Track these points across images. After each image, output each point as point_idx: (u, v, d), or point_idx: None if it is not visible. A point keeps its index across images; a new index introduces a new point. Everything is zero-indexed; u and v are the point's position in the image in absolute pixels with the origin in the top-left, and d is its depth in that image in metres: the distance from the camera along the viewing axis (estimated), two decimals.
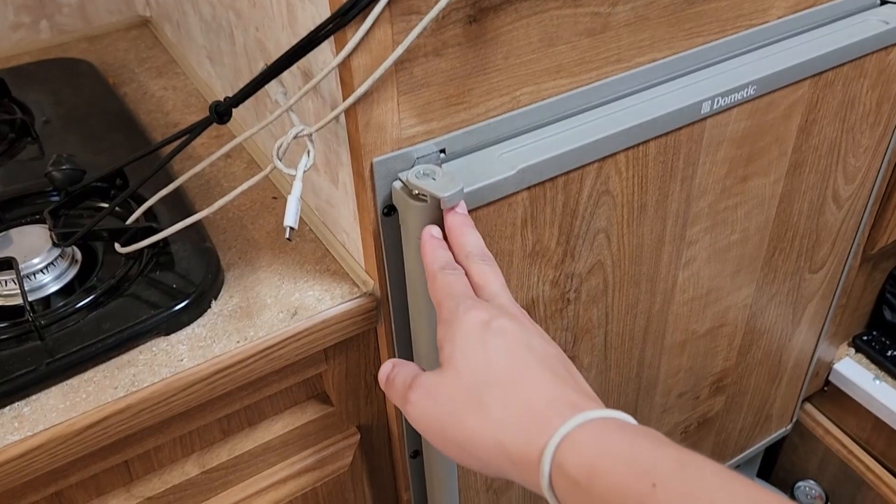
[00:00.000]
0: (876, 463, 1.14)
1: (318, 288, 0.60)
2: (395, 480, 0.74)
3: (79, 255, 0.62)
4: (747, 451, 1.07)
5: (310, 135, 0.51)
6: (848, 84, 0.70)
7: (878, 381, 1.12)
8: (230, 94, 0.52)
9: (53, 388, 0.53)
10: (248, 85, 0.50)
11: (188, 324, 0.57)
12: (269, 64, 0.50)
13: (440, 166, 0.52)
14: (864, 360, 1.15)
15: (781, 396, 1.03)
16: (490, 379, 0.41)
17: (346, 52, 0.46)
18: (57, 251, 0.60)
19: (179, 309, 0.56)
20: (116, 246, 0.61)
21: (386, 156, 0.51)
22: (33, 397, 0.52)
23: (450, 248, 0.49)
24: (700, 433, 0.95)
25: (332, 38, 0.47)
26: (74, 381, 0.53)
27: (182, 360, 0.54)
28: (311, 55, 0.49)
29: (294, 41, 0.48)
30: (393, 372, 0.46)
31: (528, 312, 0.57)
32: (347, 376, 0.64)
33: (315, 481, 0.67)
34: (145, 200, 0.61)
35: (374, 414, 0.68)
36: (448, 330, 0.43)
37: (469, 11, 0.48)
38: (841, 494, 1.20)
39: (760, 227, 0.76)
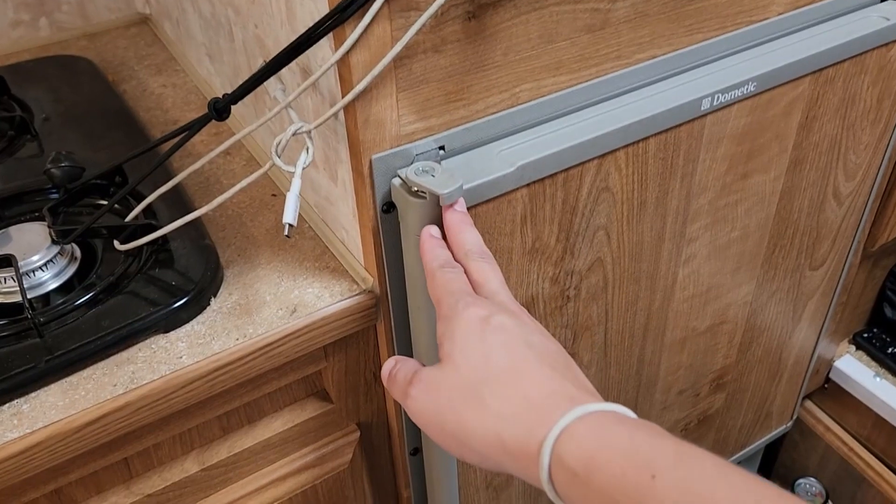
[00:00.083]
0: (876, 460, 1.14)
1: (317, 285, 0.60)
2: (395, 477, 0.74)
3: (78, 253, 0.62)
4: (747, 449, 1.07)
5: (309, 132, 0.51)
6: (848, 81, 0.70)
7: (878, 379, 1.12)
8: (229, 92, 0.52)
9: (53, 386, 0.53)
10: (246, 82, 0.50)
11: (187, 321, 0.57)
12: (267, 61, 0.50)
13: (439, 163, 0.52)
14: (865, 357, 1.15)
15: (782, 394, 1.03)
16: (489, 374, 0.41)
17: (345, 49, 0.46)
18: (56, 248, 0.60)
19: (179, 306, 0.56)
20: (115, 243, 0.61)
21: (385, 153, 0.51)
22: (32, 395, 0.52)
23: (448, 246, 0.49)
24: (700, 430, 0.95)
25: (330, 34, 0.47)
26: (74, 379, 0.53)
27: (181, 357, 0.54)
28: (309, 52, 0.49)
29: (293, 38, 0.48)
30: (395, 368, 0.46)
31: (528, 310, 0.57)
32: (347, 373, 0.64)
33: (315, 478, 0.67)
34: (144, 198, 0.60)
35: (374, 411, 0.68)
36: (447, 326, 0.43)
37: (468, 8, 0.48)
38: (841, 492, 1.20)
39: (761, 224, 0.76)
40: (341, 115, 0.51)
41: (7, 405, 0.51)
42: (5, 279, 0.58)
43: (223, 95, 0.52)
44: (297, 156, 0.52)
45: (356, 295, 0.59)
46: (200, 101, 0.83)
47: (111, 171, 0.66)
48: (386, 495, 0.75)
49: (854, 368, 1.13)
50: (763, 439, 1.09)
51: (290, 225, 0.51)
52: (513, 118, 0.55)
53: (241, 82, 0.51)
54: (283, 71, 0.52)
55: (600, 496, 0.35)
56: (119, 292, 0.58)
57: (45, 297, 0.59)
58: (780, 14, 0.65)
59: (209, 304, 0.58)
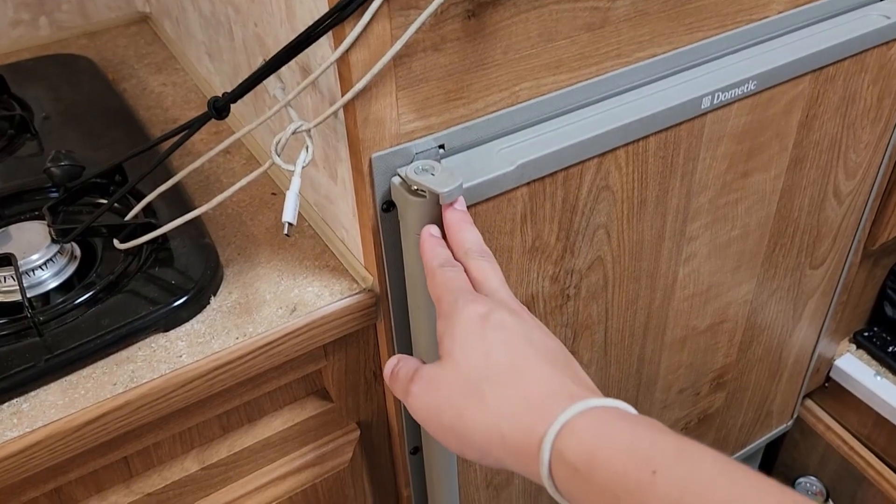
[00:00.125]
0: (877, 459, 1.14)
1: (317, 284, 0.60)
2: (396, 477, 0.74)
3: (78, 252, 0.62)
4: (748, 448, 1.07)
5: (308, 130, 0.51)
6: (849, 79, 0.69)
7: (878, 378, 1.12)
8: (229, 90, 0.51)
9: (52, 385, 0.53)
10: (245, 80, 0.50)
11: (187, 320, 0.57)
12: (267, 59, 0.49)
13: (439, 162, 0.52)
14: (865, 356, 1.15)
15: (782, 392, 1.03)
16: (489, 370, 0.41)
17: (345, 48, 0.46)
18: (56, 247, 0.60)
19: (178, 305, 0.56)
20: (115, 242, 0.61)
21: (385, 151, 0.51)
22: (32, 393, 0.52)
23: (448, 245, 0.49)
24: (700, 429, 0.95)
25: (330, 33, 0.47)
26: (73, 378, 0.53)
27: (181, 356, 0.54)
28: (309, 50, 0.49)
29: (292, 36, 0.48)
30: (397, 366, 0.46)
31: (528, 309, 0.57)
32: (347, 372, 0.64)
33: (315, 477, 0.67)
34: (144, 196, 0.60)
35: (374, 410, 0.68)
36: (447, 324, 0.43)
37: (468, 6, 0.48)
38: (842, 491, 1.20)
39: (761, 223, 0.75)
40: (341, 113, 0.51)
41: (7, 404, 0.51)
42: (5, 278, 0.58)
43: (223, 94, 0.52)
44: (296, 154, 0.52)
45: (356, 294, 0.59)
46: (200, 99, 0.83)
47: (111, 169, 0.66)
48: (386, 494, 0.75)
49: (854, 367, 1.13)
50: (763, 438, 1.09)
51: (290, 224, 0.51)
52: (513, 117, 0.55)
53: (240, 81, 0.51)
54: (283, 69, 0.52)
55: (601, 492, 0.35)
56: (119, 291, 0.58)
57: (45, 296, 0.59)
58: (780, 12, 0.65)
59: (209, 303, 0.58)
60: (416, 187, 0.50)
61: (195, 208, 0.56)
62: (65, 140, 0.74)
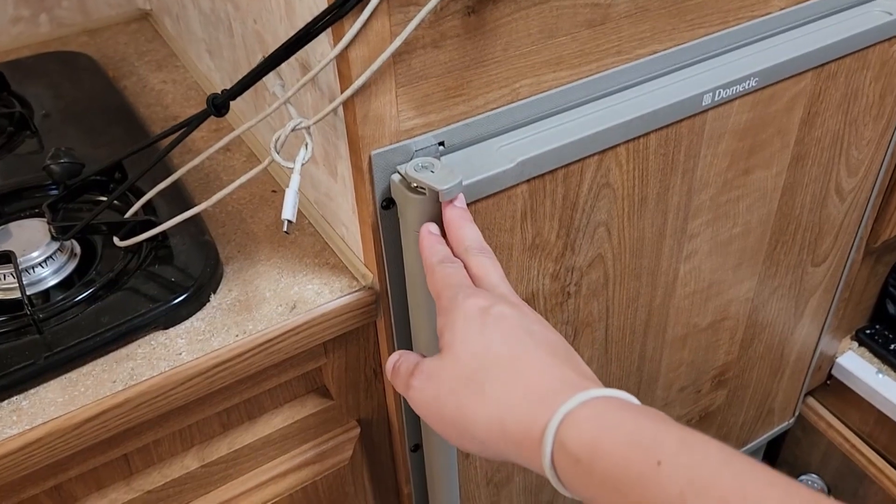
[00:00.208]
0: (878, 457, 1.13)
1: (317, 281, 0.60)
2: (396, 474, 0.74)
3: (78, 249, 0.62)
4: (749, 445, 1.07)
5: (308, 127, 0.51)
6: (851, 76, 0.69)
7: (881, 375, 1.11)
8: (229, 87, 0.51)
9: (52, 382, 0.53)
10: (244, 77, 0.50)
11: (187, 317, 0.57)
12: (266, 56, 0.49)
13: (439, 159, 0.52)
14: (867, 353, 1.15)
15: (784, 390, 1.03)
16: (489, 362, 0.41)
17: (344, 44, 0.46)
18: (56, 245, 0.60)
19: (178, 302, 0.56)
20: (115, 239, 0.60)
21: (384, 148, 0.51)
22: (32, 391, 0.52)
23: (448, 242, 0.49)
24: (702, 427, 0.95)
25: (329, 29, 0.47)
26: (73, 375, 0.53)
27: (181, 353, 0.54)
28: (308, 47, 0.49)
29: (292, 33, 0.47)
30: (398, 361, 0.46)
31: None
32: (347, 370, 0.64)
33: (315, 475, 0.67)
34: (144, 194, 0.60)
35: (375, 407, 0.68)
36: (448, 318, 0.43)
37: (467, 2, 0.48)
38: (843, 488, 1.19)
39: (762, 221, 0.75)
40: (340, 110, 0.51)
41: (6, 402, 0.51)
42: (5, 275, 0.58)
43: (222, 91, 0.51)
44: (296, 152, 0.52)
45: (356, 291, 0.59)
46: (201, 96, 0.82)
47: (111, 167, 0.66)
48: (386, 491, 0.75)
49: (856, 365, 1.13)
50: (765, 436, 1.09)
51: (289, 221, 0.51)
52: (513, 114, 0.55)
53: (240, 78, 0.51)
54: (283, 66, 0.52)
55: (603, 482, 0.35)
56: (118, 289, 0.58)
57: (45, 294, 0.59)
58: (782, 9, 0.65)
59: (209, 301, 0.58)
60: (415, 184, 0.50)
61: (195, 206, 0.56)
62: (65, 137, 0.74)
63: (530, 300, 0.62)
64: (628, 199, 0.62)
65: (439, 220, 0.50)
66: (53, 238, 0.60)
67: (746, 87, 0.62)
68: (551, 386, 0.39)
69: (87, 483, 0.57)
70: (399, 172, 0.51)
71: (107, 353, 0.54)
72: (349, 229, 0.60)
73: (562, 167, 0.56)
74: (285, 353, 0.57)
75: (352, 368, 0.64)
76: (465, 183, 0.50)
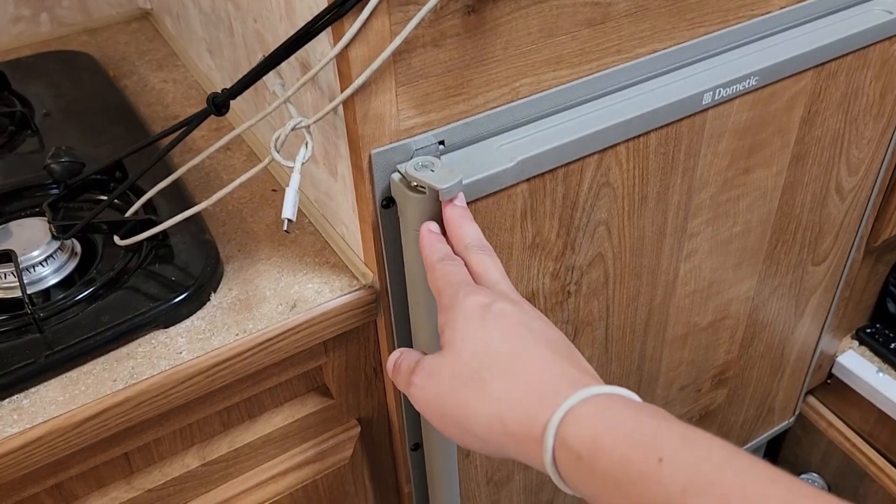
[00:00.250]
0: (879, 456, 1.13)
1: (317, 280, 0.60)
2: (396, 473, 0.74)
3: (78, 248, 0.62)
4: (750, 444, 1.07)
5: (308, 126, 0.51)
6: (851, 75, 0.69)
7: (881, 374, 1.11)
8: (229, 87, 0.51)
9: (52, 381, 0.53)
10: (245, 76, 0.50)
11: (187, 316, 0.57)
12: (266, 55, 0.49)
13: (439, 158, 0.52)
14: (868, 352, 1.15)
15: (784, 389, 1.03)
16: (490, 359, 0.41)
17: (344, 43, 0.46)
18: (56, 244, 0.60)
19: (178, 301, 0.56)
20: (115, 238, 0.61)
21: (384, 147, 0.51)
22: (32, 390, 0.52)
23: (448, 241, 0.49)
24: (702, 426, 0.95)
25: (329, 28, 0.47)
26: (73, 374, 0.53)
27: (181, 352, 0.54)
28: (308, 46, 0.49)
29: (292, 32, 0.47)
30: (399, 359, 0.46)
31: None
32: (347, 369, 0.64)
33: (315, 474, 0.67)
34: (144, 193, 0.60)
35: (375, 406, 0.68)
36: (448, 315, 0.43)
37: (467, 1, 0.48)
38: (844, 487, 1.19)
39: (763, 220, 0.75)
40: (340, 109, 0.51)
41: (7, 400, 0.51)
42: (5, 274, 0.58)
43: (222, 90, 0.51)
44: (296, 151, 0.52)
45: (356, 290, 0.59)
46: (201, 96, 0.82)
47: (111, 166, 0.66)
48: (387, 490, 0.75)
49: (857, 364, 1.13)
50: (765, 435, 1.09)
51: (289, 220, 0.51)
52: (513, 113, 0.55)
53: (240, 77, 0.51)
54: (283, 66, 0.52)
55: (604, 479, 0.35)
56: (119, 287, 0.58)
57: (46, 293, 0.59)
58: (783, 8, 0.65)
59: (209, 300, 0.58)
60: (415, 184, 0.50)
61: (195, 205, 0.56)
62: (65, 137, 0.74)
63: (530, 299, 0.62)
64: (628, 197, 0.62)
65: (439, 219, 0.50)
66: (54, 237, 0.60)
67: (746, 86, 0.62)
68: (552, 383, 0.39)
69: (88, 482, 0.58)
70: (399, 171, 0.51)
71: (107, 351, 0.55)
72: (349, 228, 0.60)
73: (562, 166, 0.56)
74: (285, 351, 0.57)
75: (352, 367, 0.64)
76: (465, 182, 0.50)
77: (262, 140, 0.74)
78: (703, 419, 0.94)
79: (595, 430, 0.36)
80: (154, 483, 0.60)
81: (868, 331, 1.16)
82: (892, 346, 1.13)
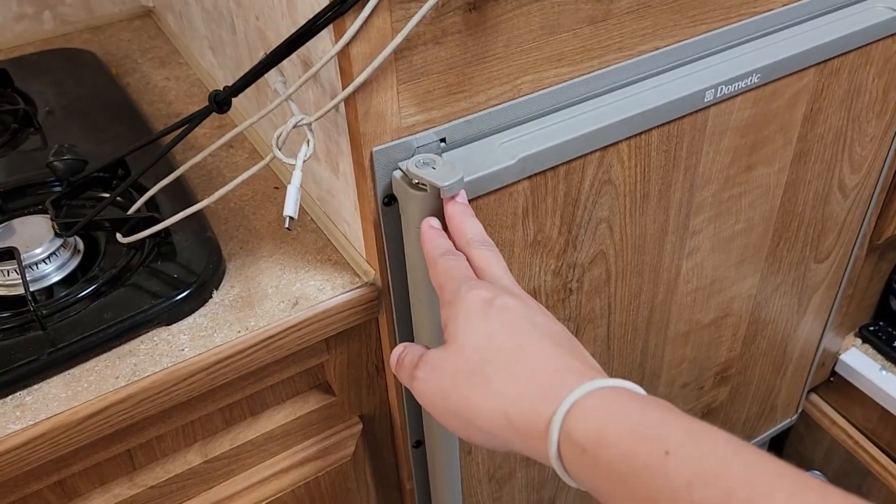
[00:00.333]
0: (882, 454, 1.13)
1: (319, 278, 0.60)
2: (398, 470, 0.75)
3: (81, 245, 0.62)
4: (752, 442, 1.06)
5: (309, 124, 0.51)
6: (854, 72, 0.69)
7: (884, 372, 1.11)
8: (231, 84, 0.51)
9: (55, 378, 0.53)
10: (246, 74, 0.50)
11: (189, 313, 0.57)
12: (268, 53, 0.49)
13: (440, 155, 0.52)
14: (871, 350, 1.15)
15: (787, 387, 1.03)
16: (493, 353, 0.41)
17: (345, 41, 0.46)
18: (59, 241, 0.60)
19: (181, 299, 0.56)
20: (118, 236, 0.61)
21: (386, 145, 0.51)
22: (35, 386, 0.52)
23: (450, 237, 0.49)
24: None
25: (330, 26, 0.47)
26: (76, 371, 0.53)
27: (183, 349, 0.54)
28: (310, 44, 0.49)
29: (293, 30, 0.48)
30: (403, 353, 0.46)
31: None
32: (349, 366, 0.64)
33: (317, 471, 0.67)
34: (147, 190, 0.61)
35: (377, 404, 0.68)
36: (451, 310, 0.43)
37: None
38: (846, 485, 1.19)
39: (765, 217, 0.75)
40: (342, 107, 0.51)
41: (10, 397, 0.52)
42: (8, 272, 0.58)
43: (224, 88, 0.52)
44: (298, 148, 0.52)
45: (358, 287, 0.59)
46: (204, 93, 0.83)
47: (114, 163, 0.66)
48: (389, 487, 0.76)
49: (860, 361, 1.13)
50: (768, 432, 1.09)
51: (291, 217, 0.51)
52: (514, 110, 0.55)
53: (242, 75, 0.51)
54: (284, 63, 0.52)
55: (609, 472, 0.35)
56: (121, 285, 0.58)
57: (48, 290, 0.59)
58: (785, 5, 0.65)
59: (211, 297, 0.58)
60: (417, 181, 0.50)
61: (198, 202, 0.56)
62: (68, 134, 0.75)
63: (532, 296, 0.62)
64: (630, 195, 0.62)
65: (441, 217, 0.50)
66: (57, 234, 0.61)
67: (749, 84, 0.62)
68: (556, 376, 0.39)
69: (91, 478, 0.58)
70: (400, 169, 0.51)
71: (110, 349, 0.55)
72: (351, 226, 0.60)
73: (563, 164, 0.56)
74: (287, 349, 0.58)
75: (354, 364, 0.65)
76: (466, 179, 0.50)
77: (264, 137, 0.74)
78: (706, 417, 0.94)
79: (600, 423, 0.36)
80: (156, 480, 0.60)
81: (871, 328, 1.15)
82: (895, 343, 1.13)
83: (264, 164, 0.53)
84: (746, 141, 0.67)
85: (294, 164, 0.52)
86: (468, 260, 0.47)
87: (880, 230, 0.94)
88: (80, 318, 0.55)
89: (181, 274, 0.58)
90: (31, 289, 0.56)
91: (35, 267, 0.59)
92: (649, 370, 0.80)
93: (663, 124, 0.60)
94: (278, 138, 0.51)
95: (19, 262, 0.57)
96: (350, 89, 0.47)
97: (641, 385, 0.82)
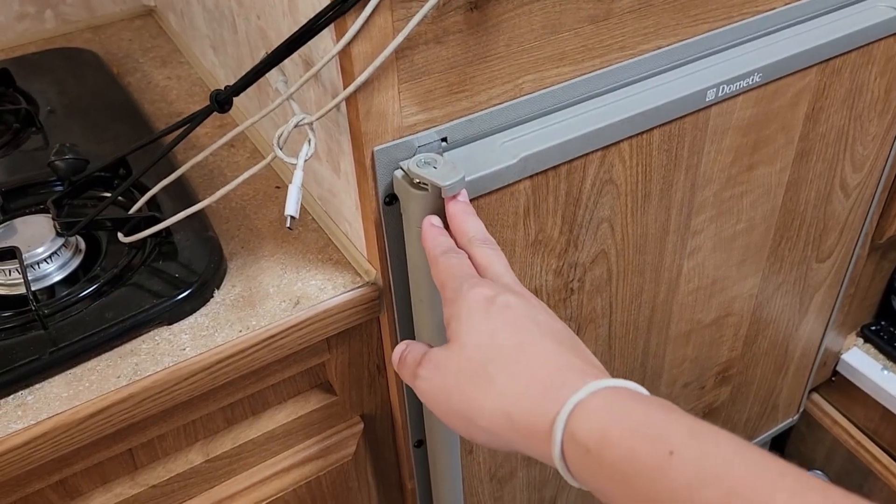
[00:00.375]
0: (883, 453, 1.13)
1: (320, 277, 0.60)
2: (400, 469, 0.75)
3: (82, 245, 0.63)
4: (754, 442, 1.07)
5: (310, 123, 0.51)
6: (856, 71, 0.69)
7: (886, 372, 1.11)
8: (232, 84, 0.51)
9: (57, 377, 0.53)
10: (248, 73, 0.50)
11: (191, 313, 0.57)
12: (269, 52, 0.49)
13: (441, 155, 0.52)
14: (873, 350, 1.14)
15: (788, 386, 1.03)
16: (495, 351, 0.41)
17: (347, 40, 0.46)
18: (60, 241, 0.60)
19: (182, 298, 0.56)
20: (119, 235, 0.61)
21: (387, 144, 0.51)
22: (37, 386, 0.52)
23: (451, 235, 0.49)
24: None
25: (332, 25, 0.47)
26: (78, 370, 0.53)
27: (184, 349, 0.54)
28: (311, 43, 0.49)
29: (295, 29, 0.48)
30: (405, 351, 0.46)
31: None
32: (350, 365, 0.64)
33: (319, 470, 0.67)
34: (148, 190, 0.61)
35: (378, 403, 0.68)
36: (453, 308, 0.43)
37: None
38: (848, 485, 1.19)
39: (766, 216, 0.75)
40: (343, 106, 0.51)
41: (11, 396, 0.52)
42: (10, 271, 0.58)
43: (225, 87, 0.52)
44: (299, 148, 0.52)
45: (359, 287, 0.59)
46: (205, 93, 0.83)
47: (115, 163, 0.66)
48: (390, 486, 0.76)
49: (861, 361, 1.13)
50: (769, 432, 1.09)
51: (292, 217, 0.51)
52: (516, 109, 0.55)
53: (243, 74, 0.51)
54: (286, 62, 0.52)
55: (612, 472, 0.35)
56: (123, 284, 0.58)
57: (50, 289, 0.59)
58: (787, 4, 0.65)
59: (212, 297, 0.58)
60: (418, 180, 0.50)
61: (199, 202, 0.56)
62: (69, 134, 0.75)
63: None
64: (631, 195, 0.62)
65: (442, 216, 0.50)
66: (58, 234, 0.61)
67: (750, 83, 0.62)
68: (558, 375, 0.39)
69: (92, 477, 0.58)
70: (402, 168, 0.51)
71: (111, 348, 0.55)
72: (352, 225, 0.60)
73: (565, 163, 0.56)
74: (289, 348, 0.58)
75: (355, 364, 0.65)
76: (467, 179, 0.50)
77: (266, 137, 0.74)
78: (707, 416, 0.94)
79: (604, 424, 0.36)
80: (158, 479, 0.60)
81: (873, 328, 1.15)
82: None
83: (265, 164, 0.53)
84: (748, 140, 0.67)
85: (295, 164, 0.52)
86: (470, 258, 0.47)
87: (882, 229, 0.94)
88: (81, 317, 0.55)
89: (182, 273, 0.58)
90: (33, 288, 0.56)
91: (36, 266, 0.59)
92: (651, 370, 0.80)
93: (665, 124, 0.59)
94: (279, 137, 0.51)
95: (21, 262, 0.57)
96: (351, 88, 0.47)
97: (643, 385, 0.82)
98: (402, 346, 0.47)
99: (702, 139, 0.63)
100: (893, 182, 0.89)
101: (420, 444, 0.70)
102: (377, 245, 0.56)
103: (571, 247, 0.61)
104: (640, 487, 0.34)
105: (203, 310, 0.58)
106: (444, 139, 0.53)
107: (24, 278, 0.56)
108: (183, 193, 0.65)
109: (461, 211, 0.49)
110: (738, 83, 0.61)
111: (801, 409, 1.10)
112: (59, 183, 0.67)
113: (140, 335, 0.56)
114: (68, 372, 0.53)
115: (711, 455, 0.33)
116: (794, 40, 0.64)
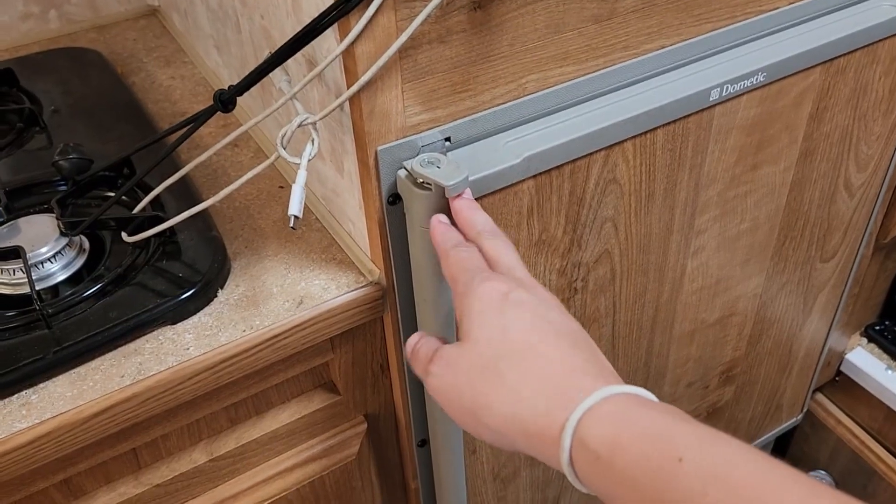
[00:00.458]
0: (887, 453, 1.13)
1: (324, 277, 0.60)
2: (403, 469, 0.75)
3: (86, 244, 0.63)
4: (757, 441, 1.07)
5: (314, 123, 0.51)
6: (860, 71, 0.69)
7: (890, 372, 1.11)
8: (236, 83, 0.51)
9: (61, 377, 0.53)
10: (251, 73, 0.50)
11: (194, 313, 0.57)
12: (273, 52, 0.49)
13: (445, 154, 0.52)
14: (877, 349, 1.14)
15: (792, 386, 1.03)
16: (507, 349, 0.41)
17: (350, 40, 0.46)
18: (64, 240, 0.61)
19: (186, 298, 0.56)
20: (123, 235, 0.61)
21: (390, 144, 0.51)
22: (41, 385, 0.52)
23: (460, 231, 0.49)
24: (709, 423, 0.94)
25: (335, 25, 0.47)
26: (81, 370, 0.53)
27: (188, 348, 0.55)
28: (315, 43, 0.49)
29: (298, 29, 0.48)
30: (418, 343, 0.46)
31: None
32: (354, 365, 0.64)
33: (322, 470, 0.67)
34: (152, 189, 0.61)
35: (382, 403, 0.69)
36: (465, 303, 0.43)
37: None
38: (852, 485, 1.19)
39: (770, 216, 0.75)
40: (347, 106, 0.51)
41: (16, 396, 0.52)
42: (14, 271, 0.58)
43: (228, 87, 0.52)
44: (303, 148, 0.52)
45: (363, 287, 0.59)
46: (209, 92, 0.83)
47: (119, 162, 0.66)
48: (393, 486, 0.76)
49: (866, 361, 1.13)
50: (773, 432, 1.09)
51: (296, 216, 0.51)
52: (519, 109, 0.55)
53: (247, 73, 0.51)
54: (289, 62, 0.52)
55: (622, 478, 0.35)
56: (127, 284, 0.58)
57: (54, 289, 0.59)
58: (791, 3, 0.65)
59: (216, 296, 0.59)
60: (421, 180, 0.50)
61: (202, 201, 0.56)
62: (73, 133, 0.75)
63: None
64: (635, 194, 0.62)
65: (446, 216, 0.50)
66: (62, 233, 0.61)
67: (754, 83, 0.62)
68: (570, 378, 0.39)
69: (96, 477, 0.58)
70: (405, 168, 0.51)
71: (115, 347, 0.55)
72: (356, 225, 0.60)
73: (568, 163, 0.56)
74: (292, 348, 0.58)
75: (359, 364, 0.65)
76: (471, 178, 0.50)
77: (269, 137, 0.74)
78: (711, 416, 0.94)
79: (614, 430, 0.36)
80: (162, 478, 0.60)
81: (877, 328, 1.15)
82: None
83: (269, 164, 0.53)
84: (752, 140, 0.67)
85: (299, 164, 0.52)
86: (480, 251, 0.46)
87: (886, 229, 0.94)
88: (85, 317, 0.55)
89: (186, 273, 0.58)
90: (37, 288, 0.56)
91: (40, 266, 0.59)
92: (654, 369, 0.80)
93: (668, 123, 0.59)
94: (283, 137, 0.51)
95: (25, 261, 0.57)
96: (355, 88, 0.47)
97: (646, 384, 0.82)
98: (415, 337, 0.47)
99: (705, 139, 0.63)
100: None
101: (423, 443, 0.70)
102: (381, 245, 0.56)
103: (575, 246, 0.61)
104: (650, 493, 0.34)
105: (207, 309, 0.58)
106: (448, 139, 0.53)
107: (28, 278, 0.56)
108: (186, 193, 0.66)
109: (467, 206, 0.48)
110: (741, 83, 0.61)
111: (804, 409, 1.10)
112: (62, 182, 0.67)
113: (144, 335, 0.56)
114: (72, 371, 0.53)
115: (721, 462, 0.33)
116: (798, 40, 0.64)
